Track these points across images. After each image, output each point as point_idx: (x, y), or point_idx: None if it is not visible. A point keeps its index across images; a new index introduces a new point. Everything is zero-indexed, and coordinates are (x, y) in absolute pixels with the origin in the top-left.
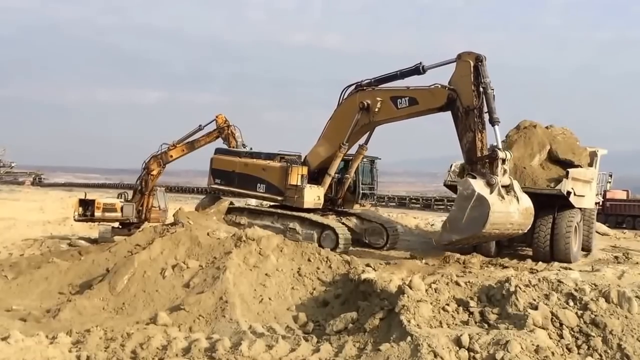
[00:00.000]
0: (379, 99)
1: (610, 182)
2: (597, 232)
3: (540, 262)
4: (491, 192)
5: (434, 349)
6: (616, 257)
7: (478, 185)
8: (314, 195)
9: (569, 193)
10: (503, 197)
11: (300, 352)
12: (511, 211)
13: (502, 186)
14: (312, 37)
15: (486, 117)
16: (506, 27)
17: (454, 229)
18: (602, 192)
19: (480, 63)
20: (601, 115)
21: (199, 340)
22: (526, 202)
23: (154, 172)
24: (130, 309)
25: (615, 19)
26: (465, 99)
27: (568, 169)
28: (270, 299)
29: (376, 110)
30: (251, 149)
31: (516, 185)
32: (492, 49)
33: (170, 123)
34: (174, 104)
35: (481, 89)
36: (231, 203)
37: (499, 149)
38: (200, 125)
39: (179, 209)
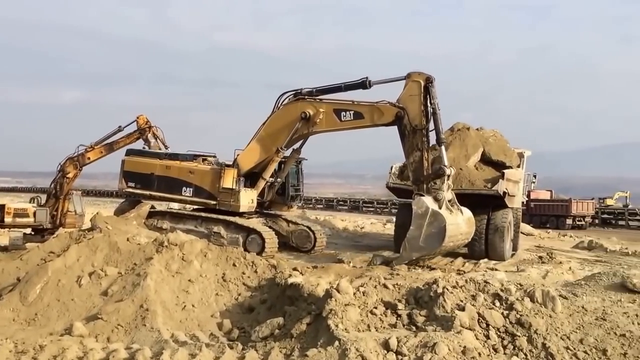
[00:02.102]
0: (321, 110)
1: (534, 182)
2: (521, 232)
3: (466, 264)
4: (440, 207)
5: (361, 353)
6: (540, 257)
7: (430, 202)
8: (248, 199)
9: (504, 193)
10: (451, 211)
11: None
12: (460, 222)
13: (447, 200)
14: (241, 38)
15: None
16: (432, 27)
17: (413, 248)
18: (527, 192)
19: (430, 84)
20: (523, 116)
21: (117, 350)
22: (467, 212)
23: (70, 175)
24: (43, 319)
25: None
26: (414, 118)
27: (503, 170)
28: (193, 305)
29: (317, 121)
30: (161, 149)
31: (454, 198)
32: (418, 48)
33: (89, 124)
34: (94, 105)
35: (430, 110)
36: (152, 207)
37: (445, 166)
38: (119, 126)
39: (97, 213)
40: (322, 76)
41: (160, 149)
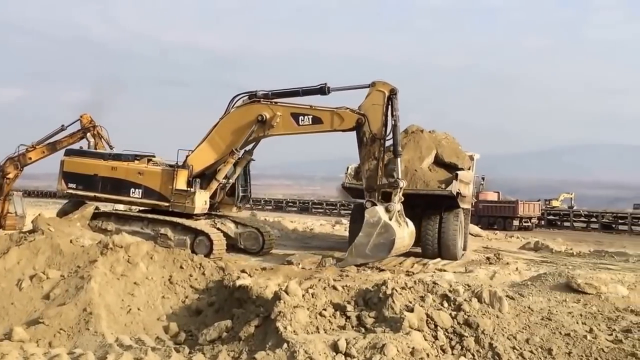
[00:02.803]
0: (279, 113)
1: (483, 185)
2: (470, 233)
3: (415, 265)
4: (390, 218)
5: (310, 355)
6: (488, 258)
7: (382, 212)
8: (202, 200)
9: (457, 194)
10: (400, 223)
11: None
12: (404, 235)
13: (397, 211)
14: (188, 36)
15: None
16: (383, 29)
17: (359, 254)
18: (475, 194)
19: (394, 95)
20: (470, 118)
21: (59, 355)
22: (411, 225)
23: (10, 176)
24: None
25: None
26: (374, 127)
27: (456, 172)
28: (139, 309)
29: (274, 124)
30: (96, 149)
31: (401, 210)
32: (365, 48)
33: (30, 122)
34: (36, 103)
35: (392, 122)
36: (97, 208)
37: (399, 179)
38: (62, 125)
39: (39, 214)
40: (271, 76)
41: (104, 149)
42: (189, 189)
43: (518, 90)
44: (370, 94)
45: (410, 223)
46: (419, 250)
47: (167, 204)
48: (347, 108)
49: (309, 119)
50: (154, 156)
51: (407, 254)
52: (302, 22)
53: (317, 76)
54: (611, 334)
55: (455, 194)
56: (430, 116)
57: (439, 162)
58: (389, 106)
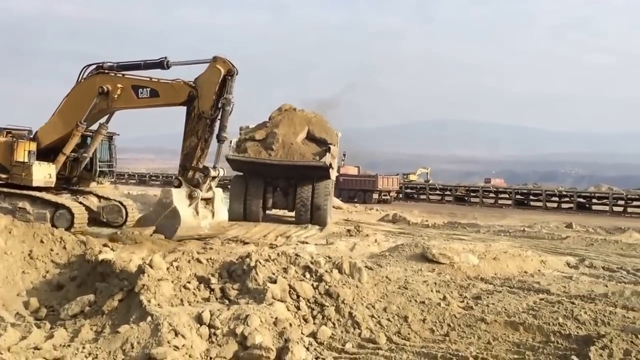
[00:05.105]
0: (119, 85)
1: (344, 160)
2: (332, 206)
3: (279, 238)
4: (190, 204)
5: (174, 327)
6: (348, 230)
7: (178, 197)
8: (44, 173)
9: (330, 165)
10: (197, 213)
11: (32, 340)
12: (202, 225)
13: (204, 199)
14: (44, 4)
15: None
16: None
17: (145, 227)
18: (337, 168)
19: (230, 77)
20: (331, 94)
21: None
22: (221, 216)
23: None
24: None
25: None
26: (203, 104)
27: (329, 145)
28: None
29: (115, 96)
30: None
31: (217, 199)
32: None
33: None
34: None
35: (221, 103)
36: None
37: (213, 167)
38: None
39: None
40: (133, 47)
41: None
42: (25, 160)
43: (373, 67)
44: (208, 69)
45: (222, 213)
46: (293, 219)
47: (6, 176)
48: (182, 80)
49: (147, 91)
50: (30, 130)
51: (279, 221)
52: None
53: (185, 48)
54: (463, 301)
55: (328, 165)
56: (293, 91)
57: (310, 137)
58: (223, 88)
